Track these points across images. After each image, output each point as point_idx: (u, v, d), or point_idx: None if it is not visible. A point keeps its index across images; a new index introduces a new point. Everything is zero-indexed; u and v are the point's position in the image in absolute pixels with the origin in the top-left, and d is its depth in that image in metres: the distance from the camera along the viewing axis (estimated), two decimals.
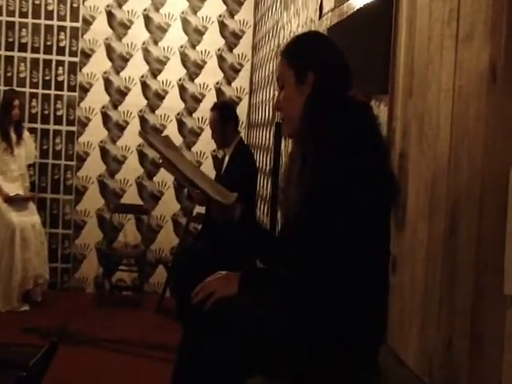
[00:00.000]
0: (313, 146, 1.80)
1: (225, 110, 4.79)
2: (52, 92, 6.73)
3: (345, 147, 1.74)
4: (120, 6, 6.81)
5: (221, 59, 6.95)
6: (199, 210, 6.45)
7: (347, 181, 1.71)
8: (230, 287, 1.80)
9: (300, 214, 1.79)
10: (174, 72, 6.92)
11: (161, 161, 4.76)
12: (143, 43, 6.88)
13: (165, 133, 6.57)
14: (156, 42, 6.94)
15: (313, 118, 1.85)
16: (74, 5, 6.73)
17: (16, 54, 6.67)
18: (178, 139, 6.80)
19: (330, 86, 1.90)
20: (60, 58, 6.71)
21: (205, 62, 6.96)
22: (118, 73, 6.91)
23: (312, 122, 1.85)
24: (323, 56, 1.95)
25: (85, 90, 6.83)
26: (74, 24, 6.72)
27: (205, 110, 6.48)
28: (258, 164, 5.25)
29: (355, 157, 1.73)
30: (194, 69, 6.96)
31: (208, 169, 6.59)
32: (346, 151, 1.74)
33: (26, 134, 6.37)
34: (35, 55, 6.70)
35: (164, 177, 6.83)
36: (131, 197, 6.97)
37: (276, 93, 2.19)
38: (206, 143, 6.84)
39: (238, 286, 1.80)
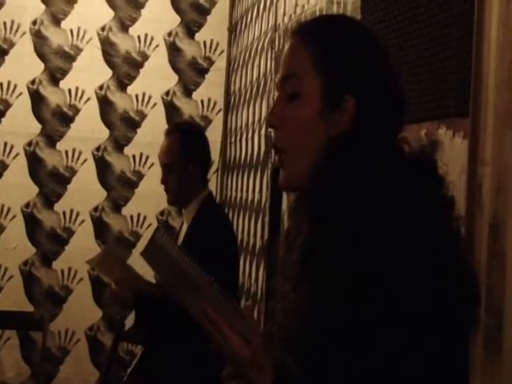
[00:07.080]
0: (331, 229, 1.44)
1: (191, 137, 3.75)
2: None
3: (390, 243, 1.39)
4: None
5: (173, 51, 6.09)
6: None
7: (391, 307, 1.35)
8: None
9: (300, 346, 1.41)
10: (89, 73, 6.01)
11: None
12: (33, 23, 5.81)
13: (73, 184, 5.88)
14: (57, 21, 5.78)
15: (341, 182, 1.49)
16: None
17: None
18: (95, 195, 6.01)
19: (379, 132, 1.51)
20: None
21: (145, 56, 6.02)
22: None
23: (339, 187, 1.49)
24: (378, 72, 1.54)
25: None
26: None
27: (144, 141, 5.89)
28: (239, 239, 4.88)
29: (411, 265, 1.38)
30: (125, 68, 6.03)
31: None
32: (395, 251, 1.38)
33: None
34: None
35: (70, 260, 5.72)
36: (12, 298, 5.91)
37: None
38: (147, 200, 5.93)
39: None
